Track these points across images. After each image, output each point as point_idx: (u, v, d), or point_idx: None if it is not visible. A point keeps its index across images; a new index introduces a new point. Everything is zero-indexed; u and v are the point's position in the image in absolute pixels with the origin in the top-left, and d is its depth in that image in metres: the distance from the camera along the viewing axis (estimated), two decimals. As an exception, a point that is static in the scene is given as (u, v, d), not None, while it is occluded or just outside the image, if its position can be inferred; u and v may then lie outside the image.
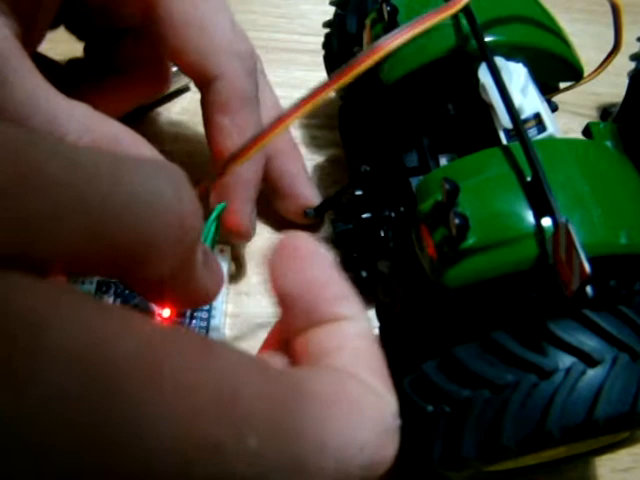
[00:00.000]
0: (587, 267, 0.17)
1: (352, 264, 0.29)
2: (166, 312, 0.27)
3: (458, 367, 0.20)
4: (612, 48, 0.25)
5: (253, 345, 0.29)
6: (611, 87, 0.31)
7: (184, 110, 0.37)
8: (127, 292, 0.29)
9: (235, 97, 0.25)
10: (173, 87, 0.37)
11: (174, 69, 0.35)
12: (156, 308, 0.28)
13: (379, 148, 0.27)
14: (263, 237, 0.33)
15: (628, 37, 0.33)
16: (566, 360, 0.19)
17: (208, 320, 0.29)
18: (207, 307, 0.29)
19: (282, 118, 0.20)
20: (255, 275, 0.32)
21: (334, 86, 0.20)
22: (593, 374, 0.19)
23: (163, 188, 0.12)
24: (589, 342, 0.19)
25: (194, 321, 0.29)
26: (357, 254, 0.28)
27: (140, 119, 0.35)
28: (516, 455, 0.20)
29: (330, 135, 0.37)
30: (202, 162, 0.35)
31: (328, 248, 0.34)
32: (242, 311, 0.31)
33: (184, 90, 0.37)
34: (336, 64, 0.33)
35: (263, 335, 0.28)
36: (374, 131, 0.27)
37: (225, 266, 0.31)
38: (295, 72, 0.40)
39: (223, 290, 0.30)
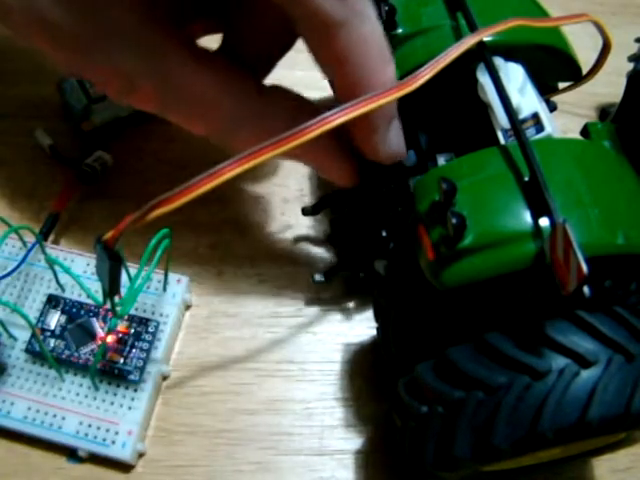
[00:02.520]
0: (584, 267, 0.17)
1: (350, 263, 0.29)
2: (109, 337, 0.28)
3: (452, 368, 0.20)
4: (602, 47, 0.25)
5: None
6: (610, 87, 0.31)
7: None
8: (74, 310, 0.29)
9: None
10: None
11: None
12: (99, 330, 0.28)
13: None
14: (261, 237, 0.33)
15: (627, 38, 0.33)
16: (560, 361, 0.19)
17: (148, 351, 0.28)
18: (150, 338, 0.28)
19: (218, 171, 0.18)
20: (256, 275, 0.32)
21: (270, 153, 0.18)
22: (587, 375, 0.19)
23: None
24: (583, 343, 0.19)
25: (134, 350, 0.28)
26: (355, 253, 0.28)
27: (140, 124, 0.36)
28: (509, 456, 0.19)
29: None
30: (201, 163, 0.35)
31: (326, 247, 0.34)
32: (240, 311, 0.31)
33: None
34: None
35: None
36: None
37: (180, 297, 0.30)
38: (295, 72, 0.40)
39: (171, 322, 0.29)
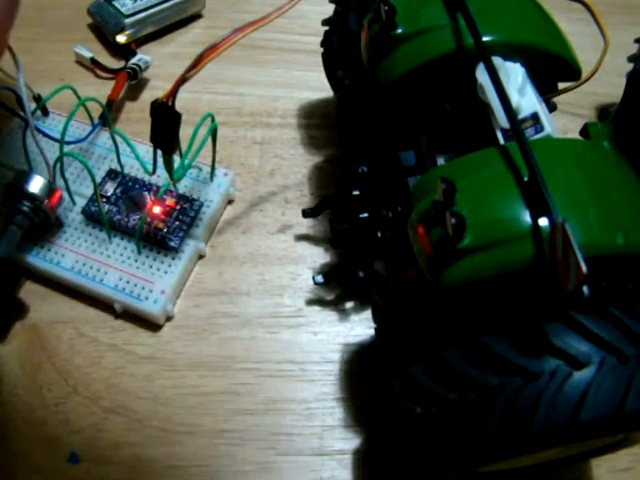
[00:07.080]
0: (584, 267, 0.17)
1: (350, 264, 0.29)
2: (156, 209, 0.31)
3: (446, 370, 0.20)
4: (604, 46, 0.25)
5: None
6: (609, 87, 0.31)
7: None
8: (129, 184, 0.32)
9: None
10: (186, 13, 0.41)
11: None
12: (149, 202, 0.31)
13: (377, 147, 0.27)
14: (262, 237, 0.33)
15: (628, 38, 0.33)
16: (552, 363, 0.19)
17: (190, 226, 0.31)
18: (193, 214, 0.31)
19: (215, 46, 0.22)
20: (256, 275, 0.32)
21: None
22: (579, 377, 0.19)
23: None
24: (576, 345, 0.19)
25: (177, 223, 0.31)
26: (355, 254, 0.28)
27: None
28: (503, 457, 0.19)
29: (328, 135, 0.37)
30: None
31: (326, 247, 0.35)
32: (240, 311, 0.31)
33: (197, 17, 0.42)
34: (335, 62, 0.34)
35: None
36: (372, 131, 0.27)
37: (225, 188, 0.33)
38: (295, 72, 0.40)
39: (214, 207, 0.32)
